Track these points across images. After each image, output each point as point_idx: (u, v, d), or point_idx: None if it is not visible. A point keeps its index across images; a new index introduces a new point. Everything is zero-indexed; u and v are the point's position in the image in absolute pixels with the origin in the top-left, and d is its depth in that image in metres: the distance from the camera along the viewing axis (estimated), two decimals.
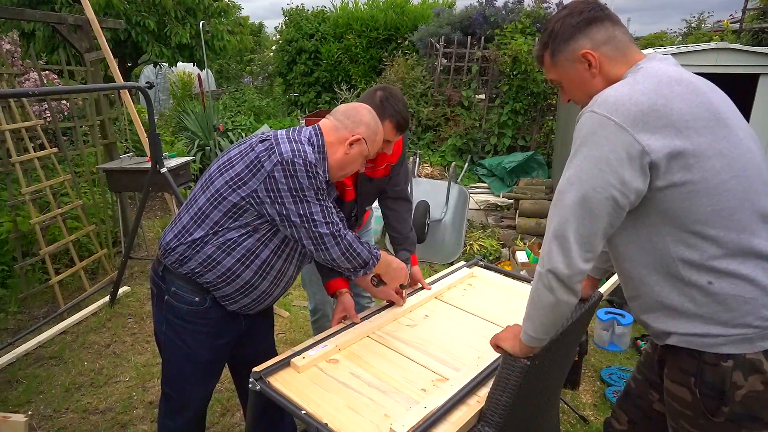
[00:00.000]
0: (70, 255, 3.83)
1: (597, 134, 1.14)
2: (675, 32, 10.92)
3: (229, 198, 1.52)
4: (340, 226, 1.61)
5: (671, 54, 3.90)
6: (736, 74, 3.81)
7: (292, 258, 1.70)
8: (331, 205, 1.60)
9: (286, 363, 1.61)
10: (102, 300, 3.68)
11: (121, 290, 3.76)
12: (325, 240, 1.57)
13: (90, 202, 4.26)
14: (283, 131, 1.61)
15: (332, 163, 1.64)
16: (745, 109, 3.92)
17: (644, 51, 4.58)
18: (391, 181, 2.28)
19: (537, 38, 6.90)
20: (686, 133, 1.12)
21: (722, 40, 7.01)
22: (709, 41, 6.93)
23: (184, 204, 1.66)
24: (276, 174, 1.48)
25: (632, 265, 1.28)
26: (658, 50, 4.55)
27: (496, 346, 1.45)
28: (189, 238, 1.57)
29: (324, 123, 1.68)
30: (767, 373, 1.18)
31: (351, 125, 1.66)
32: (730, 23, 8.33)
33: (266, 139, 1.55)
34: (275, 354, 1.94)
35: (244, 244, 1.57)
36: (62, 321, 3.39)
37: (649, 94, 1.13)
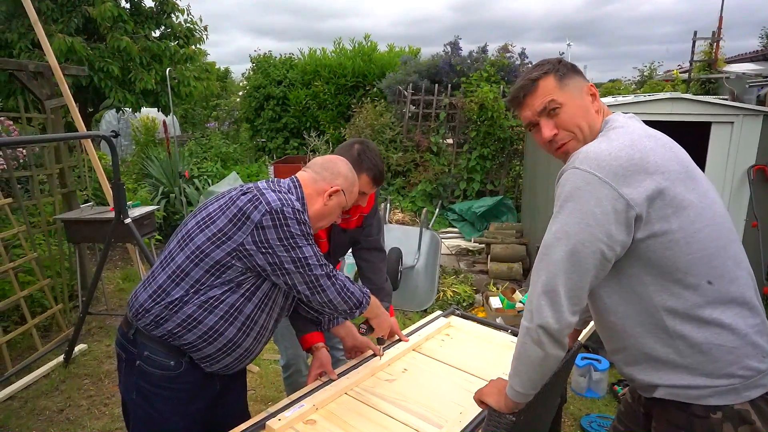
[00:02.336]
0: (20, 311, 3.59)
1: (582, 189, 1.16)
2: (629, 80, 11.56)
3: (212, 255, 1.46)
4: (332, 267, 1.59)
5: (631, 103, 4.10)
6: (689, 122, 4.01)
7: (273, 311, 1.64)
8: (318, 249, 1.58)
9: (261, 426, 1.53)
10: (55, 360, 3.44)
11: (77, 348, 3.52)
12: (321, 282, 1.54)
13: (45, 255, 4.04)
14: (263, 182, 1.59)
15: (311, 215, 1.61)
16: (700, 155, 4.11)
17: (604, 99, 4.76)
18: (364, 231, 2.26)
19: (502, 86, 7.15)
20: (663, 183, 1.16)
21: (674, 89, 7.44)
22: (662, 90, 7.33)
23: (158, 262, 1.58)
24: (265, 224, 1.44)
25: (617, 318, 1.29)
26: (618, 98, 4.76)
27: (480, 401, 1.42)
28: (166, 299, 1.49)
29: (302, 175, 1.68)
30: (756, 424, 1.19)
31: (329, 177, 1.66)
32: (679, 73, 8.87)
33: (248, 192, 1.51)
34: (248, 415, 1.84)
35: (228, 300, 1.50)
36: (9, 385, 3.14)
37: (626, 149, 1.18)
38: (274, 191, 1.51)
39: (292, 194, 1.57)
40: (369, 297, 1.73)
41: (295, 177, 1.66)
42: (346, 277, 1.66)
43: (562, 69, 1.31)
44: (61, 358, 3.44)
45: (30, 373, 3.28)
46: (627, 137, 1.22)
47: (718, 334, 1.18)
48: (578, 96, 1.31)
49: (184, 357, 1.54)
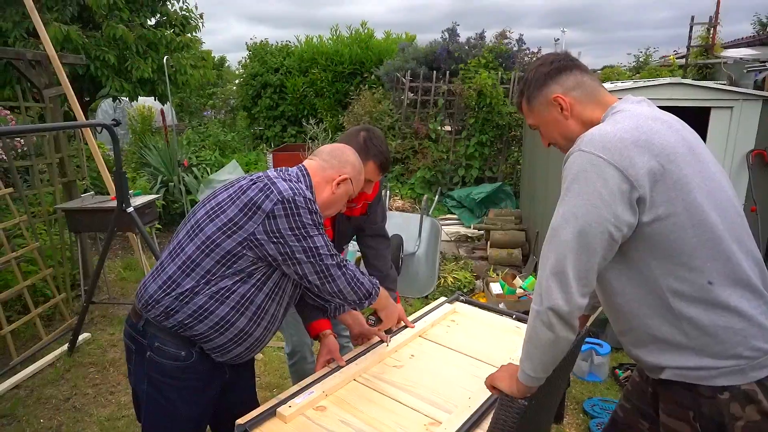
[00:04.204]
0: (23, 301, 3.59)
1: (588, 171, 1.17)
2: (625, 66, 11.52)
3: (223, 245, 1.46)
4: (342, 256, 1.59)
5: (631, 88, 4.09)
6: (688, 107, 4.02)
7: (283, 300, 1.65)
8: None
9: (271, 413, 1.53)
10: (60, 349, 3.45)
11: (81, 337, 3.53)
12: (332, 271, 1.54)
13: (47, 244, 4.03)
14: (272, 171, 1.58)
15: (320, 203, 1.61)
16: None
17: (605, 84, 4.76)
18: (368, 218, 2.27)
19: (500, 73, 7.13)
20: (668, 166, 1.17)
21: (671, 74, 7.42)
22: (660, 75, 7.31)
23: (166, 252, 1.57)
24: (276, 213, 1.44)
25: (624, 300, 1.30)
26: (617, 84, 4.75)
27: (492, 387, 1.43)
28: (177, 290, 1.49)
29: (309, 163, 1.67)
30: (762, 403, 1.20)
31: (338, 165, 1.66)
32: (676, 59, 8.84)
33: (258, 181, 1.51)
34: (257, 402, 1.85)
35: (239, 290, 1.51)
36: (15, 374, 3.15)
37: (631, 131, 1.19)
38: (284, 180, 1.51)
39: (302, 183, 1.57)
40: (378, 288, 1.72)
41: (303, 165, 1.65)
42: (355, 266, 1.66)
43: (529, 89, 1.39)
44: (65, 347, 3.45)
45: (35, 362, 3.29)
46: (632, 120, 1.23)
47: (724, 316, 1.20)
48: (545, 113, 1.38)
49: (195, 347, 1.54)
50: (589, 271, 1.18)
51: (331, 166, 1.65)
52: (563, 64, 1.35)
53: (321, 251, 1.51)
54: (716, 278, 1.19)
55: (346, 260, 1.61)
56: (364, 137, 1.93)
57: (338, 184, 1.65)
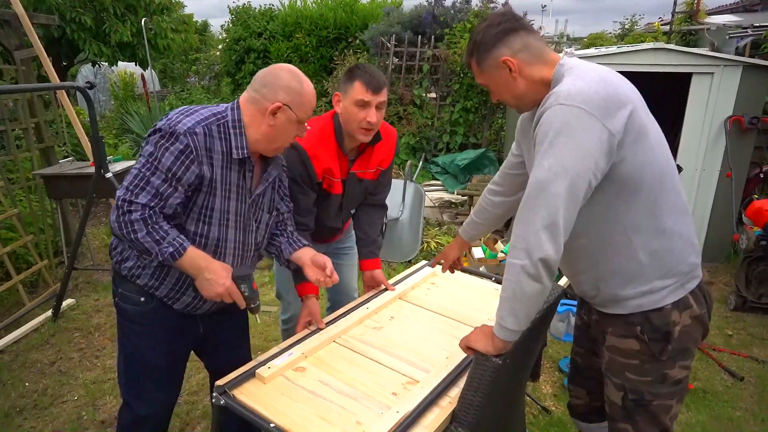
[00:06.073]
0: (5, 268, 3.57)
1: (571, 124, 1.21)
2: (610, 33, 11.39)
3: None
4: (141, 203, 1.38)
5: (614, 53, 4.08)
6: (670, 73, 4.02)
7: (228, 223, 1.56)
8: (166, 187, 1.40)
9: (250, 374, 1.55)
10: (44, 315, 3.46)
11: (65, 303, 3.54)
12: (117, 202, 1.40)
13: (27, 211, 3.99)
14: (198, 106, 1.53)
15: (260, 137, 1.54)
16: (680, 105, 4.16)
17: (587, 51, 4.68)
18: (376, 188, 2.25)
19: None
20: (634, 113, 1.26)
21: (655, 41, 7.37)
22: (642, 42, 7.27)
23: None
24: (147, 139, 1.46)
25: (587, 240, 1.40)
26: (601, 49, 4.73)
27: (467, 348, 1.46)
28: None
29: (242, 96, 1.57)
30: (694, 307, 1.40)
31: (269, 94, 1.51)
32: (660, 25, 8.78)
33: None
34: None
35: None
36: None
37: (600, 83, 1.26)
38: (188, 115, 1.46)
39: (227, 117, 1.50)
40: (172, 256, 1.43)
41: (237, 100, 1.57)
42: (156, 222, 1.41)
43: (479, 51, 1.41)
44: (49, 312, 3.46)
45: (19, 327, 3.29)
46: (596, 73, 1.30)
47: (670, 239, 1.36)
48: (495, 74, 1.41)
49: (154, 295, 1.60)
50: (572, 220, 1.25)
51: (263, 96, 1.51)
52: (510, 26, 1.38)
53: (126, 178, 1.42)
54: (664, 208, 1.33)
55: (141, 208, 1.39)
56: (350, 67, 1.93)
57: (273, 113, 1.51)
